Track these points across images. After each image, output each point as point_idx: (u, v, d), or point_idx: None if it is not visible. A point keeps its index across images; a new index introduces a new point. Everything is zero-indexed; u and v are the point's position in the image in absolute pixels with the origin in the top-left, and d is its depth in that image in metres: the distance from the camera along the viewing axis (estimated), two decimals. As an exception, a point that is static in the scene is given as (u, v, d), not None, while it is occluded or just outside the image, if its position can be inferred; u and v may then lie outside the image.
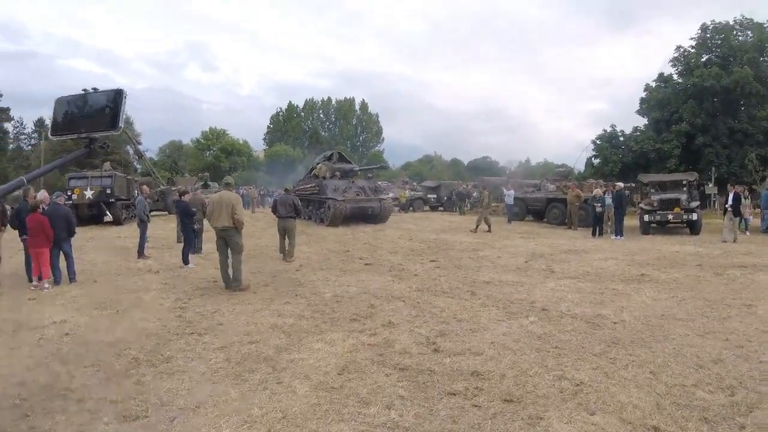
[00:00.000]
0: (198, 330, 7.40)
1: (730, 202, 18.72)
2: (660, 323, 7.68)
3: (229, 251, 10.32)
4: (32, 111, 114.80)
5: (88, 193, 25.34)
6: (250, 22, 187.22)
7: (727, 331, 7.29)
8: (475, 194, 38.62)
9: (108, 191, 25.66)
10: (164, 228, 21.42)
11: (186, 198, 14.28)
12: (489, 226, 21.97)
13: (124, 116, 4.03)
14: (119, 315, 8.35)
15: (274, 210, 15.24)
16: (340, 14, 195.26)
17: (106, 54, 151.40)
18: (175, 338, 7.03)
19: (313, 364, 5.91)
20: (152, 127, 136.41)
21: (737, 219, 19.22)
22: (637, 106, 49.37)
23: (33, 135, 76.05)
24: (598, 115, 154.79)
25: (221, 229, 10.22)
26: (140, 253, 14.50)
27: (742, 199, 20.58)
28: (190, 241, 13.59)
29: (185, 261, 13.17)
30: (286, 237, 14.29)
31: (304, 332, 7.22)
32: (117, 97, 3.98)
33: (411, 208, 38.46)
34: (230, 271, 10.30)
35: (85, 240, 18.48)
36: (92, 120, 4.12)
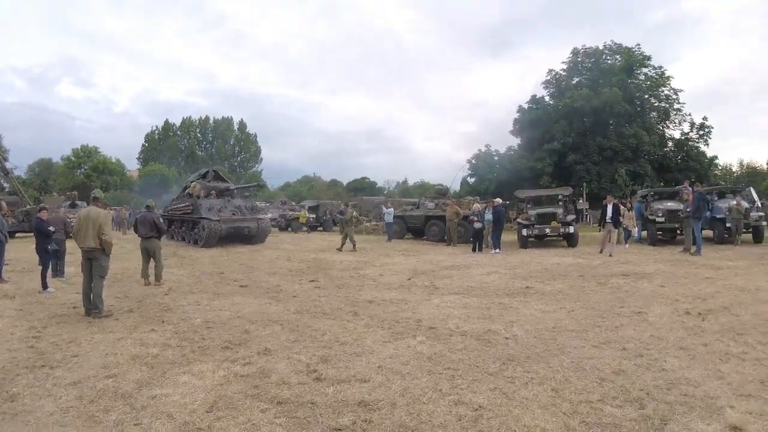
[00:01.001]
0: (50, 362, 6.41)
1: (609, 213, 18.38)
2: (553, 336, 7.39)
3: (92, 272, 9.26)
4: None
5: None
6: (128, 38, 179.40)
7: (622, 340, 7.13)
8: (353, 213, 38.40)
9: None
10: (27, 250, 19.42)
11: (43, 216, 12.87)
12: (353, 244, 21.77)
13: None
14: (-40, 349, 7.18)
15: (135, 230, 13.87)
16: (223, 34, 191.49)
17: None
18: (23, 372, 6.04)
19: (177, 401, 5.09)
20: (22, 145, 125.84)
21: (616, 231, 18.89)
22: (508, 129, 51.19)
23: None
24: (471, 137, 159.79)
25: (87, 249, 9.15)
26: (-3, 277, 12.98)
27: (625, 211, 21.07)
28: (46, 263, 12.28)
29: (44, 285, 11.87)
30: (151, 259, 13.13)
31: (170, 363, 6.34)
32: None
33: (290, 229, 37.64)
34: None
35: None
36: None
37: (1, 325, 8.49)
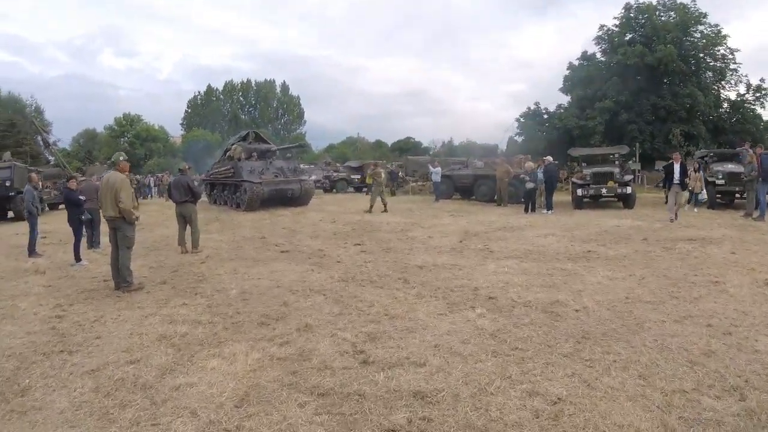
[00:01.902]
0: (70, 346, 5.79)
1: (677, 174, 16.24)
2: (628, 308, 6.55)
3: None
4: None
5: (-13, 187, 22.49)
6: (166, 5, 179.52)
7: (704, 314, 6.28)
8: (400, 173, 37.63)
9: (7, 184, 22.75)
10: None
11: (72, 185, 12.31)
12: (384, 205, 20.88)
13: None
14: (-18, 330, 6.67)
15: (169, 195, 13.32)
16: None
17: (16, 41, 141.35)
18: (40, 359, 5.43)
19: (203, 392, 4.41)
20: (66, 117, 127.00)
21: (684, 193, 17.32)
22: (557, 88, 49.57)
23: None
24: (518, 97, 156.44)
25: (109, 218, 8.52)
26: (31, 250, 12.52)
27: (691, 172, 19.37)
28: (78, 235, 11.75)
29: (76, 258, 11.32)
30: (188, 225, 12.55)
31: (199, 344, 5.66)
32: None
33: (334, 190, 37.02)
34: None
35: None
36: None
37: (27, 303, 7.91)
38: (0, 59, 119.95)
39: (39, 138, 51.81)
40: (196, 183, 13.53)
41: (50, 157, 51.02)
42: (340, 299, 7.33)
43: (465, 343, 5.37)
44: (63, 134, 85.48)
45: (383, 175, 22.28)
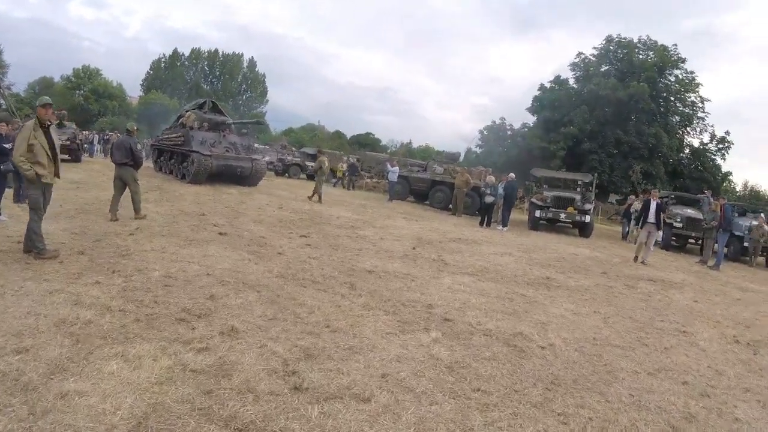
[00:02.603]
0: None
1: (652, 213, 14.77)
2: (597, 351, 5.91)
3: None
4: None
5: None
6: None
7: (678, 368, 5.81)
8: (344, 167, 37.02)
9: None
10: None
11: (2, 129, 11.01)
12: (319, 196, 20.12)
13: None
14: None
15: (111, 155, 12.26)
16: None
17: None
18: None
19: (94, 407, 3.47)
20: (25, 62, 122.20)
21: (658, 233, 15.52)
22: (521, 106, 50.04)
23: None
24: (483, 110, 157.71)
25: None
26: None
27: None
28: (1, 186, 10.46)
29: (-8, 212, 10.13)
30: (125, 191, 11.56)
31: (101, 337, 4.67)
32: None
33: (287, 174, 35.94)
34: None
35: None
36: None
37: None
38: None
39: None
40: (140, 147, 12.37)
41: (0, 101, 48.85)
42: (276, 299, 6.40)
43: (418, 375, 4.53)
44: (19, 79, 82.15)
45: (326, 164, 21.32)
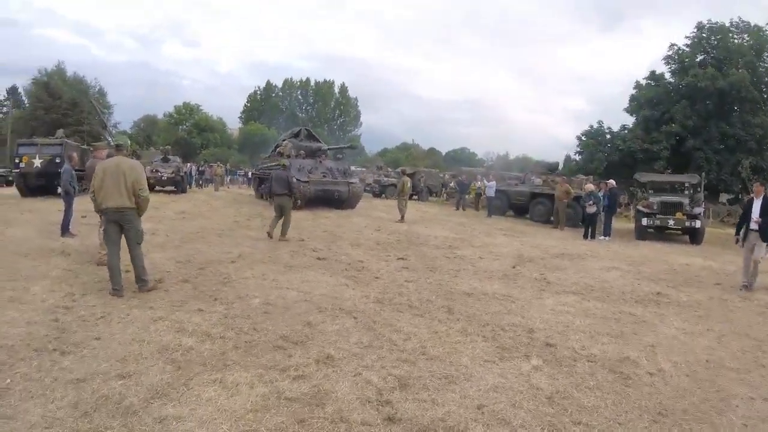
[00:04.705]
0: (65, 345, 5.12)
1: (755, 214, 10.53)
2: (710, 376, 5.47)
3: (125, 241, 7.60)
4: (4, 79, 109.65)
5: (37, 162, 22.90)
6: (229, 2, 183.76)
7: None
8: (451, 184, 36.54)
9: (57, 160, 22.62)
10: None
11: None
12: (402, 216, 19.97)
13: None
14: (-13, 315, 6.04)
15: (269, 188, 14.60)
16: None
17: (85, 24, 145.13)
18: (30, 356, 4.81)
19: (190, 432, 3.54)
20: (130, 102, 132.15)
21: (764, 245, 10.43)
22: (620, 106, 47.93)
23: (5, 104, 72.73)
24: (578, 113, 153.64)
25: (116, 210, 7.36)
26: (64, 229, 12.09)
27: None
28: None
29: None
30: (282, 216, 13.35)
31: (201, 364, 4.84)
32: None
33: (384, 195, 36.09)
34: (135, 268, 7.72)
35: (22, 212, 16.38)
36: None
37: (39, 288, 7.27)
38: (67, 41, 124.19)
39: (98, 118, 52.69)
40: (294, 179, 14.34)
41: (109, 138, 51.85)
42: (372, 326, 6.38)
43: (516, 407, 4.36)
44: (124, 118, 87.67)
45: (408, 185, 21.22)
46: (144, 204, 7.49)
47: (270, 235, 13.07)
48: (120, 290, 7.26)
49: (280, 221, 13.37)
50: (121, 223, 7.42)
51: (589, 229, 18.39)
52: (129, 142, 8.10)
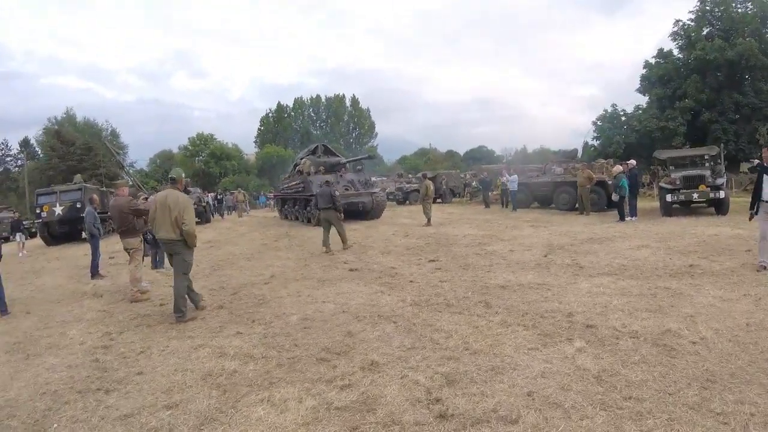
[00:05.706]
0: (108, 383, 5.21)
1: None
2: (752, 339, 5.45)
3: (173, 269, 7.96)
4: (17, 132, 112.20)
5: (58, 209, 23.23)
6: (234, 25, 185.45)
7: None
8: (473, 183, 36.46)
9: (78, 205, 23.20)
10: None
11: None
12: (428, 219, 19.96)
13: None
14: (26, 361, 6.23)
15: (316, 204, 15.84)
16: (325, 14, 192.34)
17: (91, 68, 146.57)
18: (74, 399, 4.89)
19: (244, 453, 3.62)
20: (144, 139, 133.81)
21: None
22: (632, 88, 47.53)
23: (19, 156, 74.67)
24: (591, 100, 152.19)
25: (165, 241, 7.82)
26: (94, 272, 12.33)
27: None
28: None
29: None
30: (332, 228, 14.22)
31: (247, 385, 4.92)
32: None
33: (408, 201, 36.15)
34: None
35: (50, 260, 16.64)
36: None
37: (76, 331, 7.48)
38: (75, 86, 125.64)
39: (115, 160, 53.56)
40: (337, 194, 14.66)
41: (126, 177, 52.62)
42: (412, 328, 6.45)
43: (565, 389, 4.40)
44: (140, 156, 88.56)
45: (431, 188, 21.20)
46: (189, 237, 7.68)
47: (327, 250, 13.79)
48: (182, 315, 7.60)
49: (329, 235, 14.11)
50: (171, 253, 7.83)
51: (620, 212, 18.28)
52: (183, 174, 8.45)
